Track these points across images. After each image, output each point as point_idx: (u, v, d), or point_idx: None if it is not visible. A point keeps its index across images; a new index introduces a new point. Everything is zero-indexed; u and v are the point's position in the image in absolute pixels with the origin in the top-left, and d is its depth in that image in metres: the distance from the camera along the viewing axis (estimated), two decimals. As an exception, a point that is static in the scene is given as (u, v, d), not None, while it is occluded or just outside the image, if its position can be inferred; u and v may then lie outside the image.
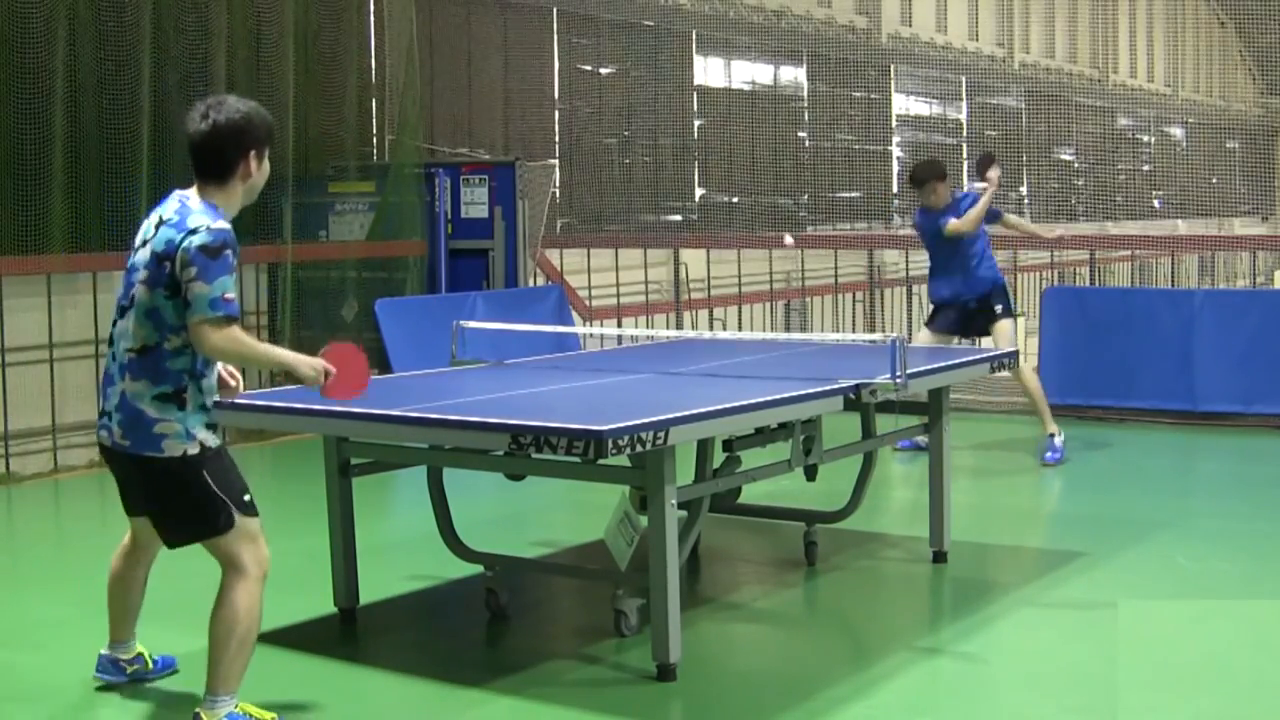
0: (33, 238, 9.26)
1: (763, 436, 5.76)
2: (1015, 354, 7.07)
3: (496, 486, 6.14)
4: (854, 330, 15.54)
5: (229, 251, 4.23)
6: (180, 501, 4.39)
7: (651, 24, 15.85)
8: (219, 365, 4.56)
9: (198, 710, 4.36)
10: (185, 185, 4.48)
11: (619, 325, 12.34)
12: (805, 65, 17.96)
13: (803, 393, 5.36)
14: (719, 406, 5.00)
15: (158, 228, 4.35)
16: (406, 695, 4.91)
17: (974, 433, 9.87)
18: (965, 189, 9.23)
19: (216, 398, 4.49)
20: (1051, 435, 8.98)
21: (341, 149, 11.46)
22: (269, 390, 4.85)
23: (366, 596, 5.77)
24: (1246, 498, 8.16)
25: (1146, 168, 25.51)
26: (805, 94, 18.06)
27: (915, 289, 14.78)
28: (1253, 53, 27.18)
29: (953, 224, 8.80)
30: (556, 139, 14.65)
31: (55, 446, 9.18)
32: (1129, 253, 18.83)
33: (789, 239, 14.18)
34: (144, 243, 4.38)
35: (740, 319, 13.85)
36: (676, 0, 16.26)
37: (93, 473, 8.83)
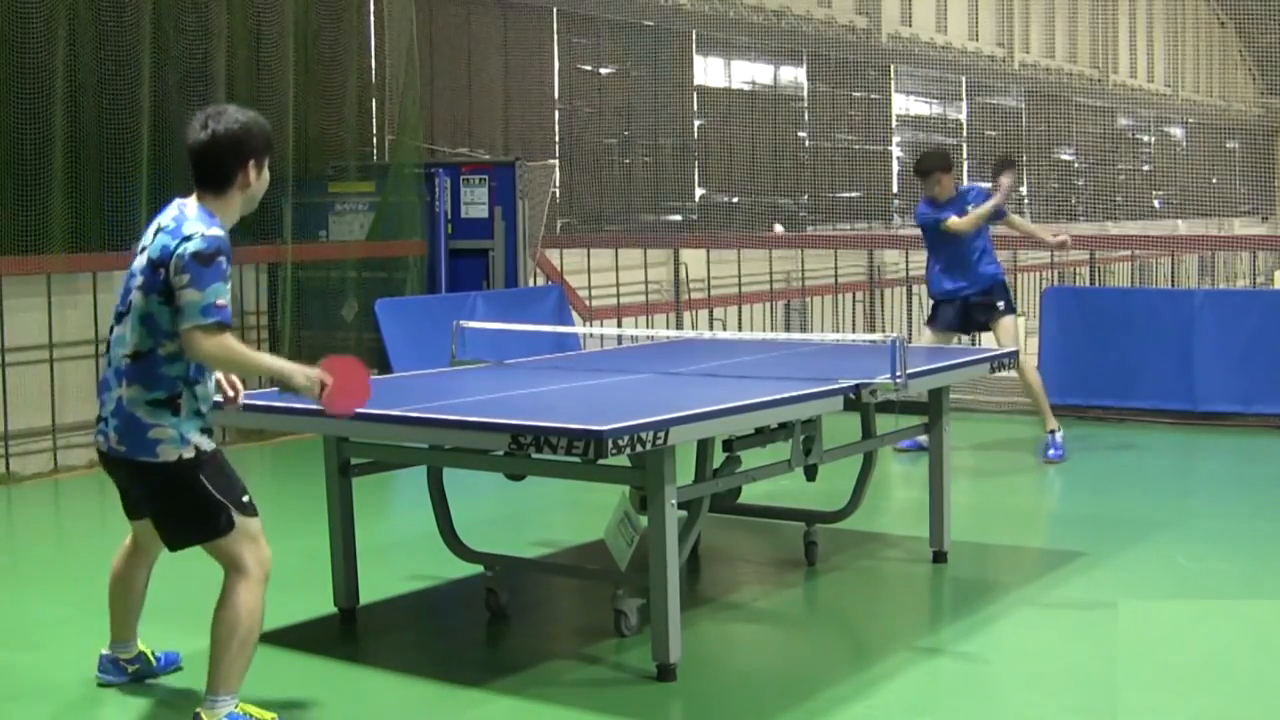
0: (33, 238, 9.27)
1: (763, 436, 5.75)
2: (1015, 353, 7.07)
3: (496, 486, 6.14)
4: (854, 330, 15.54)
5: (222, 258, 4.24)
6: (179, 505, 4.40)
7: (651, 24, 15.86)
8: (218, 374, 4.58)
9: (198, 710, 4.37)
10: (185, 185, 4.50)
11: (619, 325, 12.34)
12: (805, 65, 17.97)
13: (803, 393, 5.36)
14: (719, 406, 5.00)
15: (155, 235, 4.37)
16: (406, 695, 4.92)
17: (974, 433, 9.87)
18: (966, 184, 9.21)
19: (212, 403, 4.49)
20: (1052, 432, 9.01)
21: (341, 149, 11.46)
22: (269, 390, 4.84)
23: (366, 596, 5.77)
24: (1246, 498, 8.16)
25: (1146, 168, 25.52)
26: (805, 94, 18.07)
27: (915, 289, 14.80)
28: (1253, 53, 27.18)
29: (953, 221, 8.79)
30: (556, 139, 14.66)
31: (55, 446, 9.18)
32: (1129, 253, 18.83)
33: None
34: (142, 250, 4.40)
35: (740, 319, 13.85)
36: (676, 0, 16.26)
37: (93, 473, 8.82)
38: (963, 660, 5.19)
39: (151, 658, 4.96)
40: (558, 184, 13.24)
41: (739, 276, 14.08)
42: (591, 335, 9.08)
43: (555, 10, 14.77)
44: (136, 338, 4.31)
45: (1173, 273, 14.30)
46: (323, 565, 5.74)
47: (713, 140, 16.94)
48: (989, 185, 8.90)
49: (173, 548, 4.58)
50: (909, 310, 14.81)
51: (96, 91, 9.66)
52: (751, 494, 6.66)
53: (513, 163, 11.56)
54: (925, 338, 9.13)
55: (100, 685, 4.91)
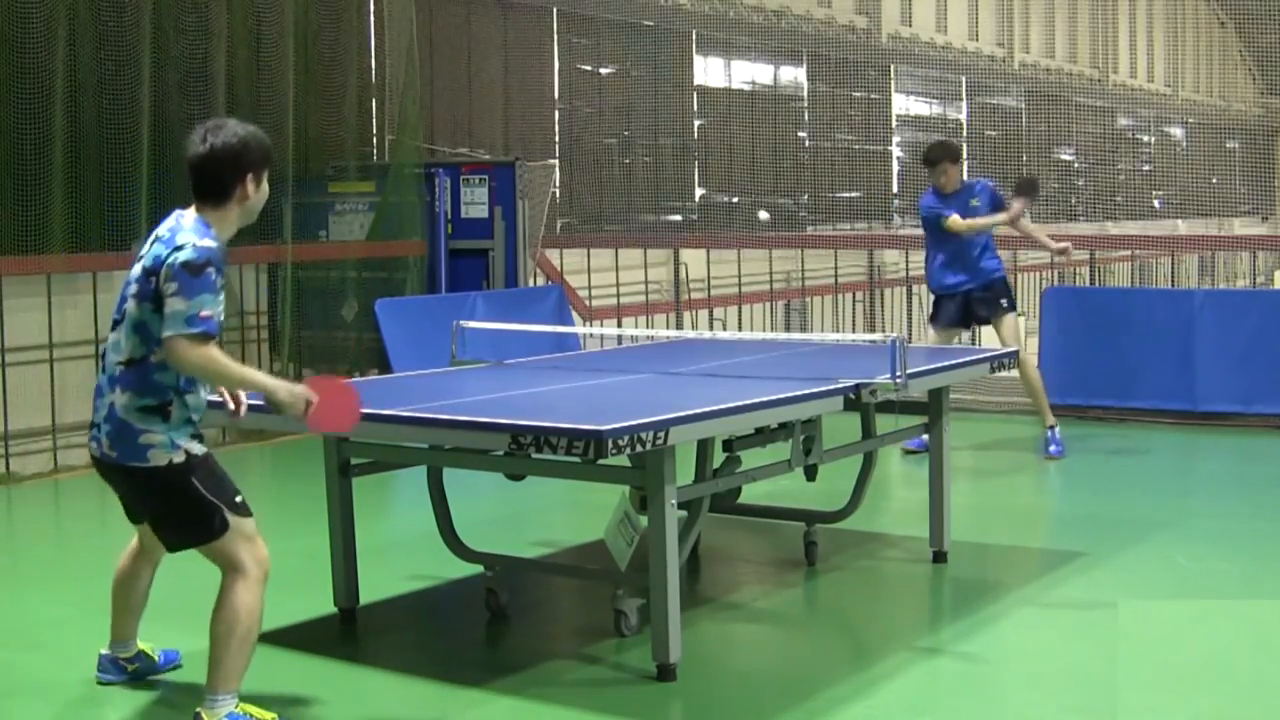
0: (33, 238, 9.27)
1: (763, 436, 5.75)
2: (1016, 353, 7.08)
3: (496, 486, 6.14)
4: (854, 330, 15.55)
5: (212, 270, 4.26)
6: (173, 508, 4.43)
7: (651, 24, 15.86)
8: (224, 389, 4.63)
9: (198, 710, 4.37)
10: (186, 185, 4.52)
11: (619, 325, 12.34)
12: (805, 65, 17.96)
13: (803, 393, 5.36)
14: (719, 406, 5.00)
15: (151, 245, 4.41)
16: (406, 695, 4.91)
17: (974, 433, 9.87)
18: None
19: (204, 411, 4.50)
20: (1051, 428, 9.07)
21: (341, 149, 11.46)
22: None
23: (366, 596, 5.77)
24: (1246, 498, 8.16)
25: (1146, 168, 25.52)
26: (805, 94, 18.06)
27: (915, 289, 14.80)
28: (1253, 53, 27.18)
29: (954, 221, 8.80)
30: (556, 139, 14.66)
31: (55, 446, 9.18)
32: (1129, 253, 18.82)
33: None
34: (139, 259, 4.44)
35: (740, 319, 13.86)
36: (676, 0, 16.26)
37: (93, 473, 8.77)
38: (963, 660, 5.19)
39: (152, 656, 4.96)
40: (558, 184, 13.24)
41: (739, 276, 14.08)
42: (591, 335, 9.07)
43: (555, 10, 14.77)
44: (129, 345, 4.35)
45: (1173, 273, 14.29)
46: (323, 565, 5.74)
47: (713, 140, 16.94)
48: (994, 184, 8.90)
49: (172, 549, 4.60)
50: (909, 310, 14.81)
51: (96, 91, 9.66)
52: (751, 494, 6.66)
53: (513, 163, 11.55)
54: (930, 337, 9.16)
55: (100, 684, 4.91)
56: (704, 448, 5.92)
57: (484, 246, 11.43)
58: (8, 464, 8.97)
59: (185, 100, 10.18)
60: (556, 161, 13.04)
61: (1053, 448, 9.02)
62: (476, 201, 11.41)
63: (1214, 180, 23.11)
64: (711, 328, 13.54)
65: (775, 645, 5.65)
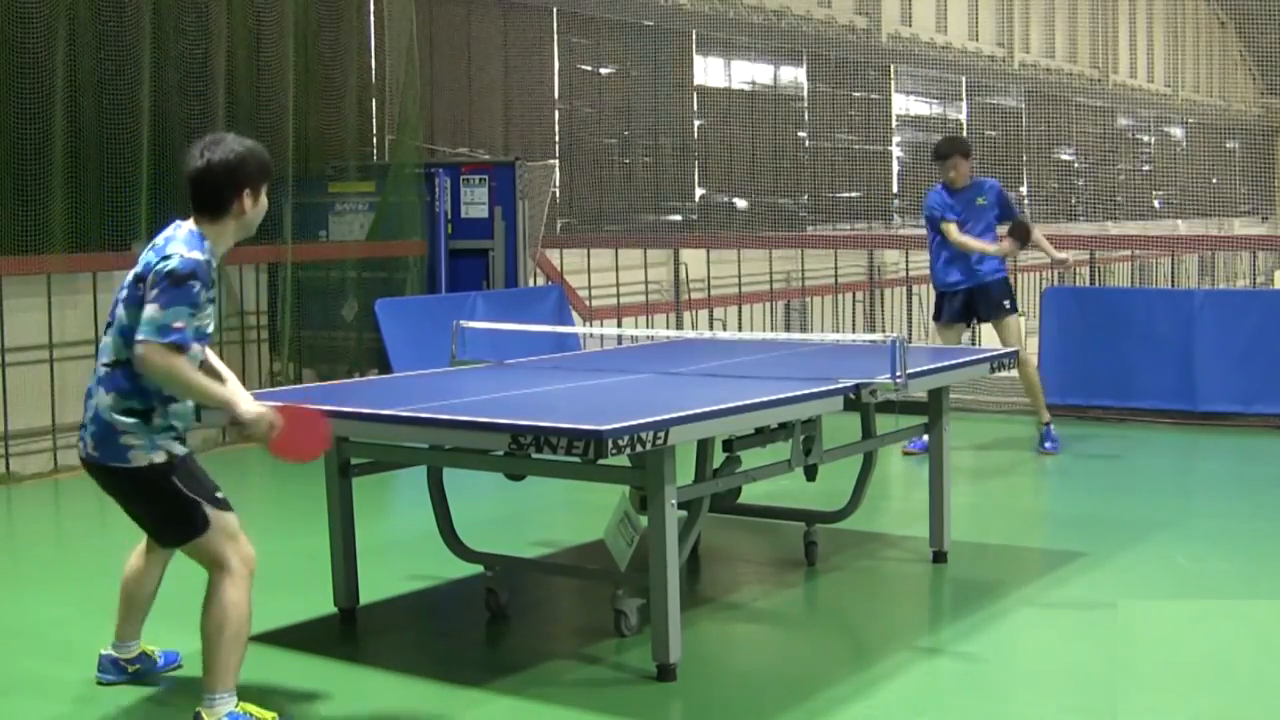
0: (33, 238, 9.27)
1: (763, 436, 5.76)
2: (1016, 352, 7.08)
3: (496, 486, 6.14)
4: (854, 330, 15.55)
5: (195, 283, 4.29)
6: (155, 508, 4.49)
7: (651, 24, 15.85)
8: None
9: (198, 710, 4.38)
10: (185, 187, 4.54)
11: (619, 325, 12.34)
12: (805, 65, 17.96)
13: (803, 393, 5.36)
14: (719, 406, 5.00)
15: (146, 252, 4.46)
16: (406, 695, 4.91)
17: (974, 433, 9.87)
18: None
19: (191, 421, 4.53)
20: (1047, 424, 9.18)
21: (341, 149, 11.46)
22: (268, 390, 4.86)
23: (366, 596, 5.77)
24: (1246, 498, 8.16)
25: (1146, 168, 25.51)
26: (805, 94, 18.06)
27: (915, 289, 14.80)
28: (1253, 53, 27.17)
29: (951, 230, 8.94)
30: (556, 139, 14.65)
31: (55, 446, 9.18)
32: (1129, 253, 18.82)
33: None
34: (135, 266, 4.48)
35: (740, 319, 13.86)
36: (676, 0, 16.26)
37: (93, 473, 8.83)
38: (963, 660, 5.19)
39: (153, 657, 4.97)
40: (558, 184, 13.24)
41: (739, 276, 14.08)
42: (591, 335, 9.08)
43: (555, 10, 14.77)
44: (115, 348, 4.41)
45: (1173, 273, 14.31)
46: (323, 565, 5.74)
47: (713, 140, 16.94)
48: (1002, 243, 8.93)
49: (166, 545, 4.66)
50: (909, 310, 14.81)
51: (96, 91, 9.66)
52: (751, 494, 6.67)
53: (513, 163, 11.55)
54: (938, 338, 9.22)
55: (100, 685, 4.91)
56: (704, 448, 5.93)
57: (484, 246, 11.43)
58: (8, 464, 8.98)
59: (185, 100, 10.18)
60: (556, 161, 13.04)
61: (1048, 444, 9.14)
62: (476, 201, 11.41)
63: (1214, 180, 23.10)
64: (711, 328, 13.55)
65: (775, 645, 5.65)
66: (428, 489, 5.83)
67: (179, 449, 4.44)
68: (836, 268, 15.94)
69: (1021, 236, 8.92)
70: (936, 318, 9.28)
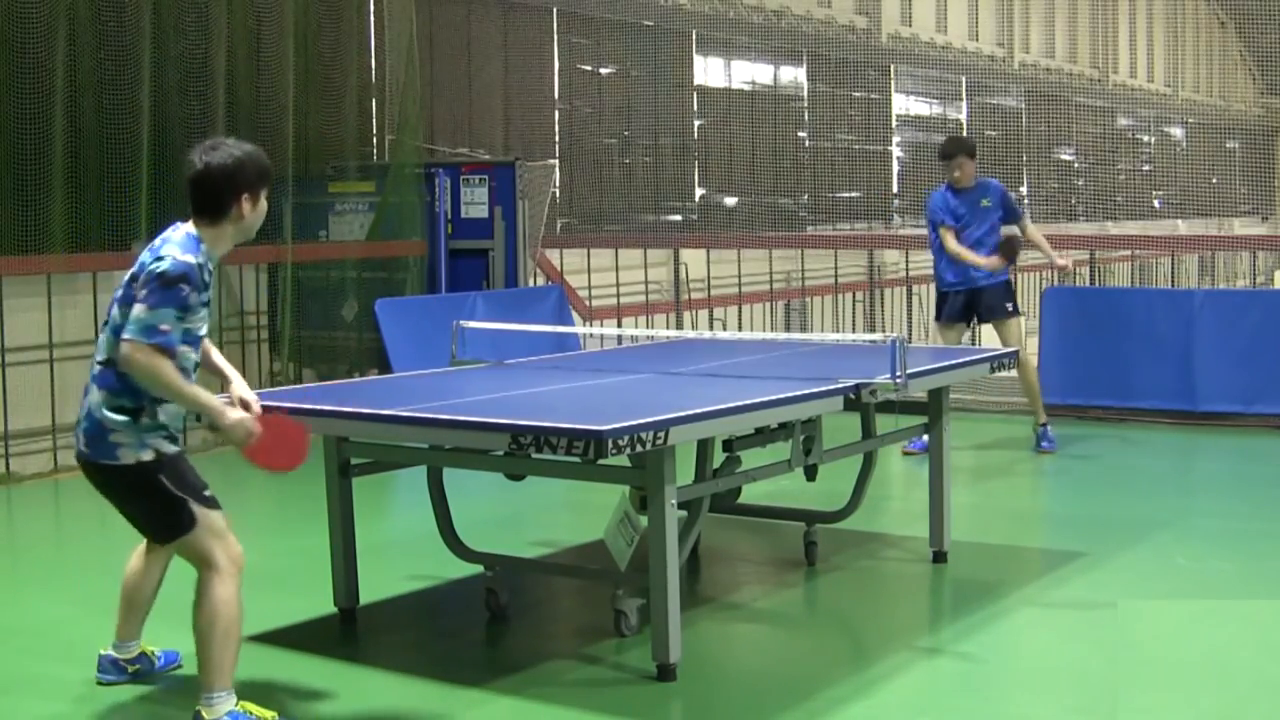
0: (33, 238, 9.27)
1: (763, 436, 5.76)
2: (1015, 353, 7.08)
3: (496, 486, 6.14)
4: (854, 330, 15.55)
5: (185, 286, 4.32)
6: (143, 505, 4.52)
7: (651, 24, 15.85)
8: (235, 391, 4.67)
9: (197, 708, 4.38)
10: (185, 188, 4.57)
11: (619, 325, 12.34)
12: (805, 65, 17.95)
13: (803, 393, 5.36)
14: (719, 406, 5.00)
15: (144, 253, 4.49)
16: (406, 695, 4.91)
17: (974, 433, 9.87)
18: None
19: (181, 422, 4.54)
20: (1044, 425, 9.25)
21: (341, 149, 11.46)
22: (267, 390, 4.86)
23: (366, 596, 5.78)
24: (1246, 498, 8.16)
25: (1146, 168, 25.51)
26: (805, 94, 18.05)
27: (915, 289, 14.80)
28: (1253, 53, 27.18)
29: (948, 238, 9.00)
30: (556, 139, 14.65)
31: (55, 446, 9.18)
32: (1129, 253, 18.82)
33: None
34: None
35: (740, 319, 13.86)
36: (676, 0, 16.26)
37: (93, 473, 8.82)
38: (963, 660, 5.19)
39: (152, 657, 4.97)
40: (558, 184, 13.24)
41: (739, 276, 14.08)
42: (591, 335, 9.08)
43: (555, 10, 14.77)
44: (108, 346, 4.44)
45: (1173, 273, 14.30)
46: (323, 565, 5.74)
47: (713, 140, 16.94)
48: (991, 259, 8.96)
49: (156, 542, 4.69)
50: (909, 310, 14.80)
51: (96, 91, 9.66)
52: (751, 494, 6.66)
53: (513, 163, 11.55)
54: (940, 338, 9.23)
55: (100, 685, 4.91)
56: (704, 448, 5.93)
57: (484, 246, 11.43)
58: (8, 464, 8.98)
59: (185, 100, 10.18)
60: (556, 161, 13.04)
61: (1045, 443, 9.21)
62: (476, 201, 11.41)
63: (1214, 180, 23.10)
64: (711, 328, 13.54)
65: (775, 645, 5.65)
66: (428, 489, 5.83)
67: (168, 448, 4.46)
68: (836, 268, 15.93)
69: (1010, 254, 8.97)
70: (937, 317, 9.31)
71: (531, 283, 11.68)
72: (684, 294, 13.54)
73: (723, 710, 4.82)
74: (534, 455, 4.75)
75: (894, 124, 19.25)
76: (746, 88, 17.65)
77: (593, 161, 15.31)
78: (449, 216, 11.41)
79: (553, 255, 12.33)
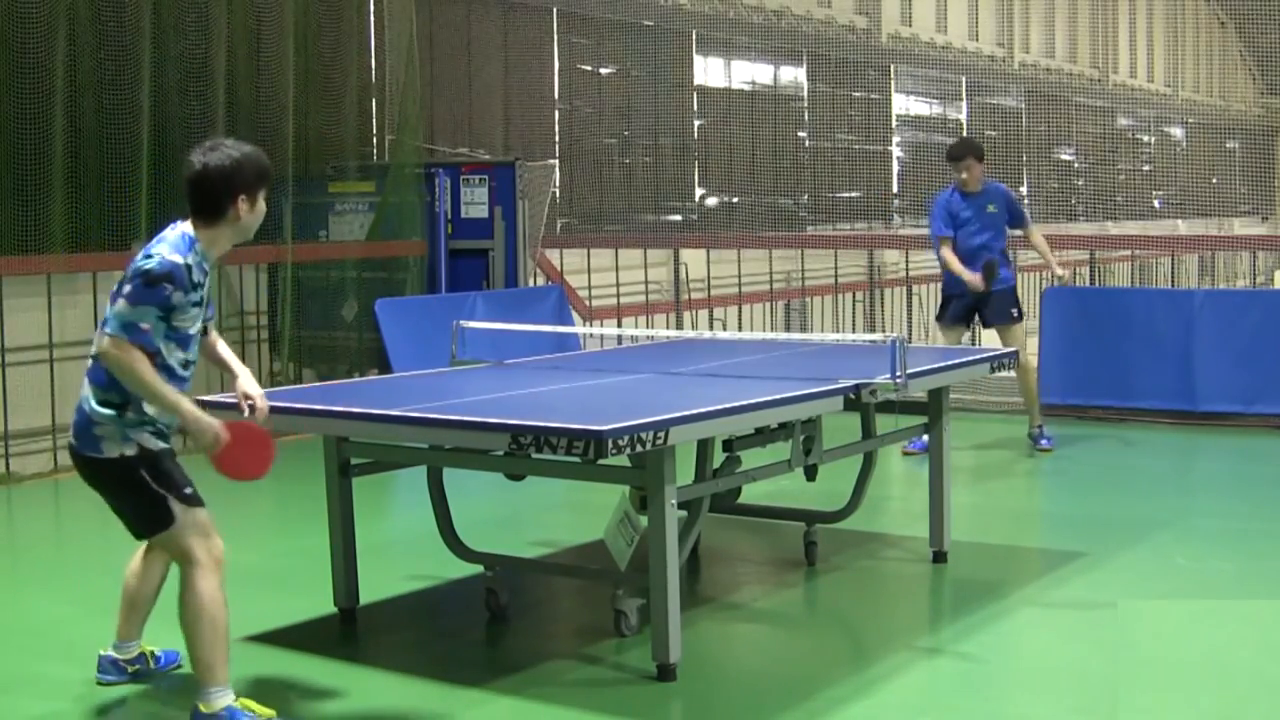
0: (33, 238, 9.27)
1: (763, 436, 5.76)
2: (1015, 353, 7.08)
3: (496, 486, 6.14)
4: (854, 330, 15.55)
5: (168, 286, 4.34)
6: (125, 499, 4.56)
7: (651, 24, 15.86)
8: (240, 385, 4.69)
9: (195, 703, 4.42)
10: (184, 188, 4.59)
11: (619, 325, 12.34)
12: (805, 65, 17.96)
13: (803, 393, 5.36)
14: (719, 406, 5.00)
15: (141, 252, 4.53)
16: (406, 695, 4.91)
17: (974, 433, 9.87)
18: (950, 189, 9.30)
19: (169, 423, 4.55)
20: (1040, 426, 9.30)
21: (341, 149, 11.46)
22: (267, 390, 4.87)
23: (366, 596, 5.77)
24: (1246, 498, 8.16)
25: (1146, 168, 25.52)
26: (805, 94, 18.06)
27: (915, 289, 14.81)
28: (1253, 53, 27.19)
29: (943, 249, 9.06)
30: (556, 139, 14.65)
31: (55, 446, 9.18)
32: (1129, 253, 18.83)
33: (711, 200, 14.26)
34: None
35: (740, 319, 13.85)
36: (676, 0, 16.26)
37: (93, 473, 8.82)
38: (963, 660, 5.19)
39: (151, 659, 4.97)
40: (558, 184, 13.24)
41: (739, 276, 14.08)
42: (591, 335, 9.08)
43: (555, 10, 14.77)
44: (99, 341, 4.46)
45: (1173, 273, 14.30)
46: (323, 565, 5.74)
47: (713, 140, 16.94)
48: (972, 275, 8.99)
49: (138, 537, 4.71)
50: (909, 310, 14.81)
51: (96, 91, 9.66)
52: (751, 494, 6.66)
53: (513, 163, 11.55)
54: (939, 338, 9.25)
55: (100, 685, 4.91)
56: (704, 448, 5.92)
57: (484, 246, 11.43)
58: (8, 464, 8.98)
59: (185, 100, 10.18)
60: (556, 161, 13.04)
61: (1044, 440, 9.26)
62: (476, 201, 11.41)
63: (1214, 180, 23.11)
64: (711, 328, 13.54)
65: (775, 645, 5.65)
66: (428, 489, 5.83)
67: (154, 444, 4.48)
68: (836, 268, 15.94)
69: (989, 278, 8.97)
70: (939, 318, 9.31)
71: (531, 283, 11.68)
72: (684, 294, 13.54)
73: (723, 710, 4.82)
74: (534, 455, 4.75)
75: (894, 124, 19.27)
76: (746, 88, 17.65)
77: (593, 161, 15.32)
78: (449, 216, 11.41)
79: (553, 255, 12.33)
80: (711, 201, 16.59)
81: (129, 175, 9.62)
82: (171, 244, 4.42)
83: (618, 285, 12.95)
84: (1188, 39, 27.97)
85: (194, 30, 10.33)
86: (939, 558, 6.46)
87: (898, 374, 5.48)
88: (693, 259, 13.87)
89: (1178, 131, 27.23)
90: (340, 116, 11.46)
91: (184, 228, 4.50)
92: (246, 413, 4.72)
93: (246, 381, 4.72)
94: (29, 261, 9.20)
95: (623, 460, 4.65)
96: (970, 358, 6.81)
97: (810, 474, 6.16)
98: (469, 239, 11.42)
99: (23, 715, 4.80)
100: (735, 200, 17.09)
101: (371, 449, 5.58)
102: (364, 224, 11.20)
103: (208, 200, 4.48)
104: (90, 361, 4.49)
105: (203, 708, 4.40)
